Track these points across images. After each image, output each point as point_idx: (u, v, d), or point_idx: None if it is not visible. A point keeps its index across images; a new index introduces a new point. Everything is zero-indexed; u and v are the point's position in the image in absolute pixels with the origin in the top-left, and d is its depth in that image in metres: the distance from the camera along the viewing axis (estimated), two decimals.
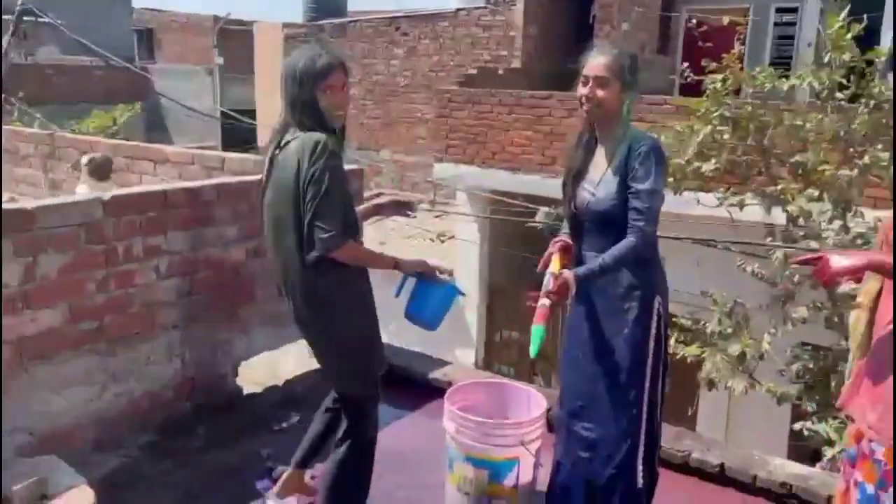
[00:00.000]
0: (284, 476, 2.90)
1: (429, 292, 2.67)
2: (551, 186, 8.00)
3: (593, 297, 2.60)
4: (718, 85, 5.55)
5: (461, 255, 8.96)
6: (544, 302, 2.45)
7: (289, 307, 2.59)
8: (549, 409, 3.00)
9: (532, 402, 3.03)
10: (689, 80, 6.25)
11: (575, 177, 2.66)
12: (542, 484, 2.86)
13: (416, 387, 3.92)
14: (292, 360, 4.19)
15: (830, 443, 4.90)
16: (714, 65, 5.71)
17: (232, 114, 12.02)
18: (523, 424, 2.84)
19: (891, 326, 1.95)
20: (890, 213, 5.14)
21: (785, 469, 3.17)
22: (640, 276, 2.54)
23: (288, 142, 2.45)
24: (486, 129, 8.71)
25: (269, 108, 14.61)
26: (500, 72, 10.19)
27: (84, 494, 2.58)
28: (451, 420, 2.89)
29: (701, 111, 5.68)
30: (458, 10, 11.85)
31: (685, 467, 3.27)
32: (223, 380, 3.60)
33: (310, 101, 2.41)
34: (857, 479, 1.99)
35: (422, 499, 3.10)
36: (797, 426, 5.21)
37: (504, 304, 9.62)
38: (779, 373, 5.76)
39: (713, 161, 5.66)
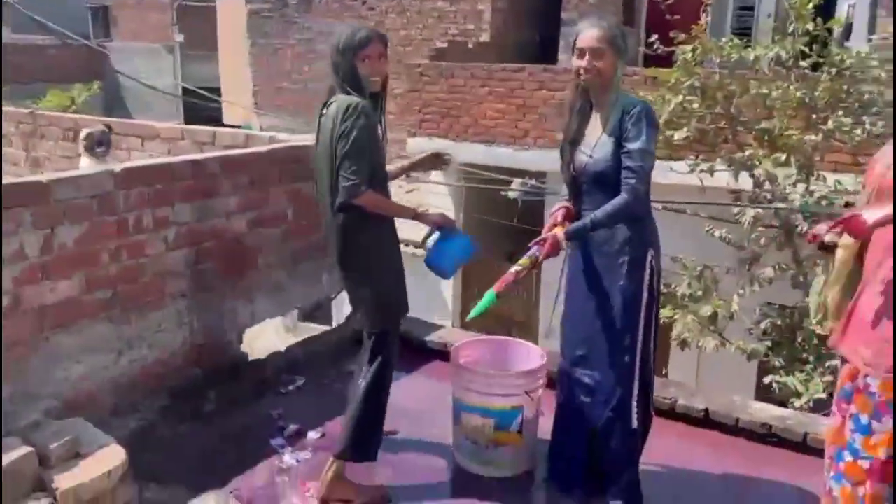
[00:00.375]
0: None
1: (449, 243, 2.90)
2: (524, 159, 8.25)
3: (591, 252, 2.80)
4: (689, 56, 5.75)
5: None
6: (511, 269, 2.71)
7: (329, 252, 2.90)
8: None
9: (532, 356, 3.22)
10: (658, 51, 6.43)
11: (572, 143, 2.84)
12: (545, 431, 3.06)
13: (414, 349, 4.07)
14: (271, 332, 4.34)
15: (798, 394, 5.20)
16: (683, 36, 5.91)
17: (199, 91, 11.90)
18: (526, 375, 3.04)
19: (882, 271, 2.11)
20: (846, 176, 5.43)
21: (764, 412, 3.42)
22: (635, 231, 2.74)
23: (330, 105, 2.71)
24: (459, 102, 8.84)
25: (235, 84, 14.50)
26: (470, 46, 10.29)
27: (115, 452, 2.71)
28: (457, 373, 3.08)
29: (671, 81, 5.89)
30: None
31: (672, 413, 3.49)
32: (229, 346, 3.71)
33: (349, 69, 2.68)
34: (852, 411, 2.17)
35: (431, 448, 3.28)
36: (767, 380, 5.49)
37: (479, 275, 9.79)
38: (747, 331, 6.06)
39: (684, 129, 5.89)
